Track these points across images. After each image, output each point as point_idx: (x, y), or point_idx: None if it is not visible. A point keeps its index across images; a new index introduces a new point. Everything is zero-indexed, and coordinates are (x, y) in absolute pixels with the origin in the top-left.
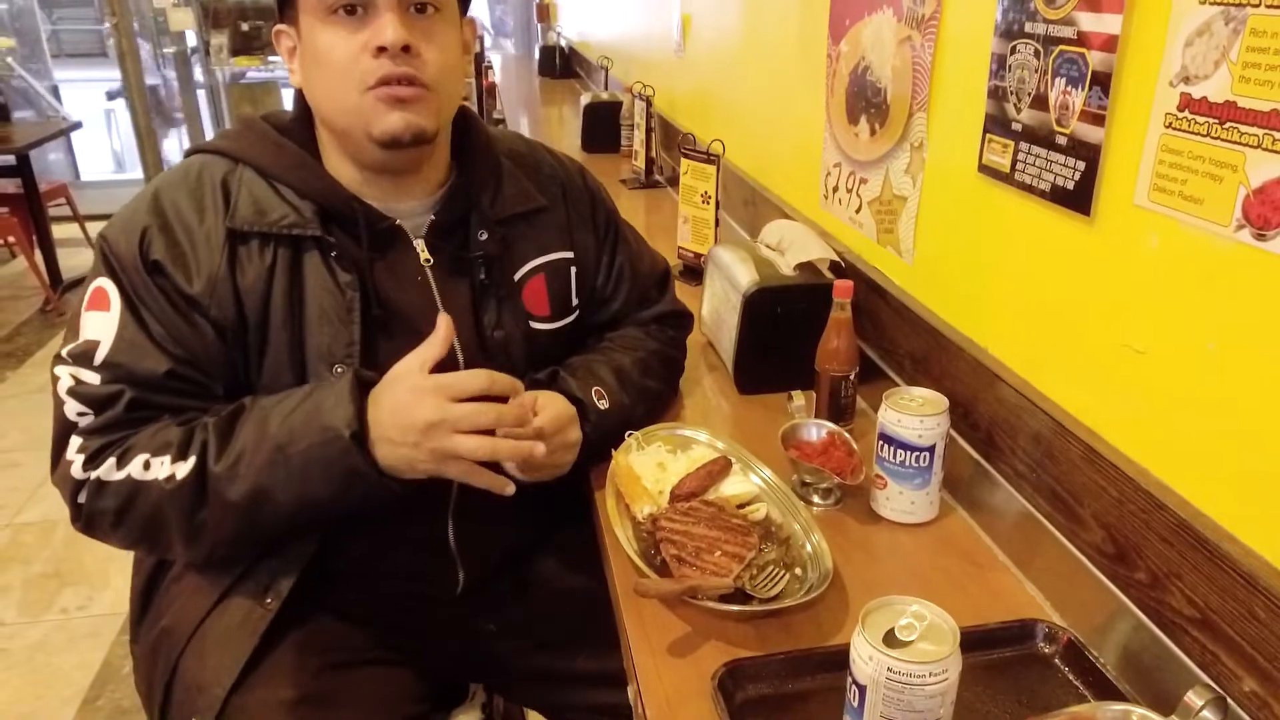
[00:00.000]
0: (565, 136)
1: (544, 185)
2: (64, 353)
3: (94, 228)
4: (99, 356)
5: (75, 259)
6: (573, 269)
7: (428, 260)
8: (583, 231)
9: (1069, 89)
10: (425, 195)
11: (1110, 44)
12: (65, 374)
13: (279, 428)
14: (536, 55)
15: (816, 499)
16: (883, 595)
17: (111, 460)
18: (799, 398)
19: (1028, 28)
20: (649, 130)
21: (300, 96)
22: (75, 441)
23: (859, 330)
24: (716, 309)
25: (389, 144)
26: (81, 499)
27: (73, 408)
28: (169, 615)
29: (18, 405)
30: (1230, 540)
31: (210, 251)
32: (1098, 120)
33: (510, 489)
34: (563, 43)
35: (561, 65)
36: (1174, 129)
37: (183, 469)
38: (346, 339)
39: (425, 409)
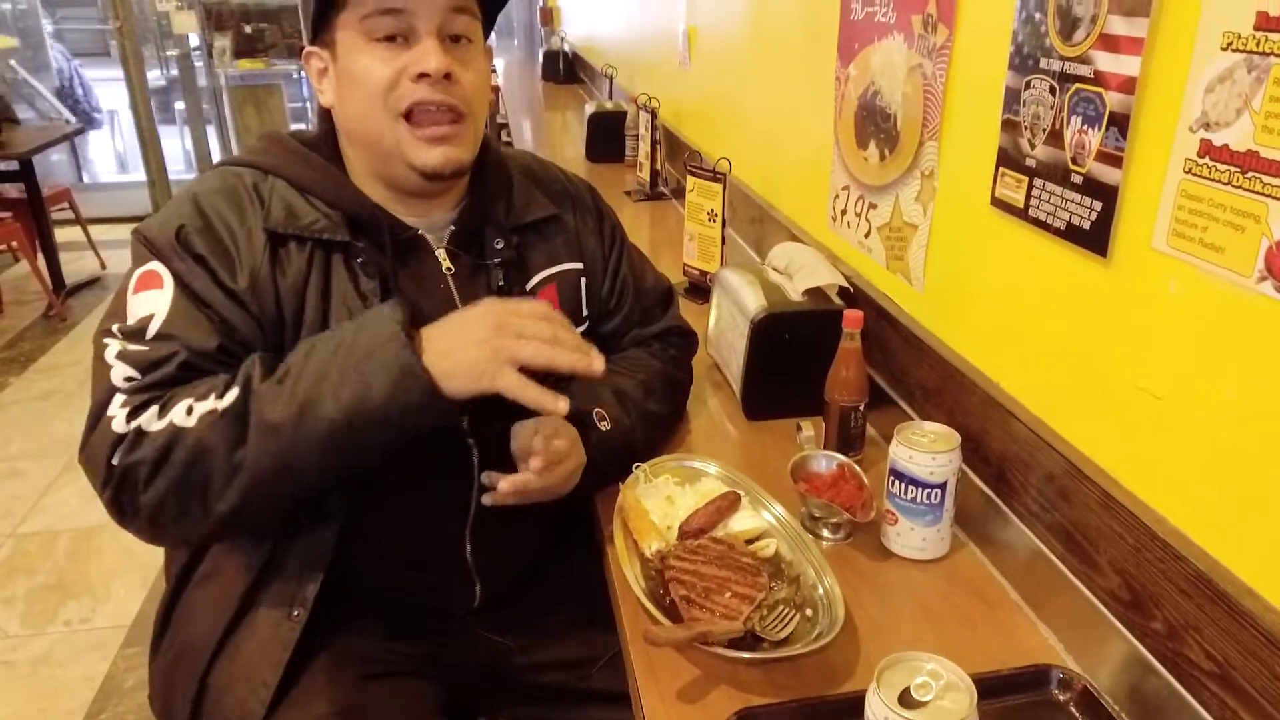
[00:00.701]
0: (569, 144)
1: (553, 196)
2: (114, 328)
3: (97, 231)
4: (152, 329)
5: (78, 263)
6: (582, 279)
7: (449, 269)
8: (590, 241)
9: (1085, 128)
10: (445, 209)
11: (1129, 85)
12: (114, 342)
13: (326, 341)
14: (540, 59)
15: (826, 533)
16: (894, 635)
17: (154, 409)
18: (808, 428)
19: (1043, 63)
20: (654, 143)
21: (326, 115)
22: (119, 399)
23: (868, 357)
24: (724, 332)
25: (431, 176)
26: (116, 459)
27: (120, 371)
28: (188, 628)
29: (21, 412)
30: (1251, 595)
31: (253, 250)
32: (1115, 161)
33: (563, 404)
34: (566, 47)
35: (565, 70)
36: (1194, 175)
37: (227, 399)
38: None
39: (492, 313)
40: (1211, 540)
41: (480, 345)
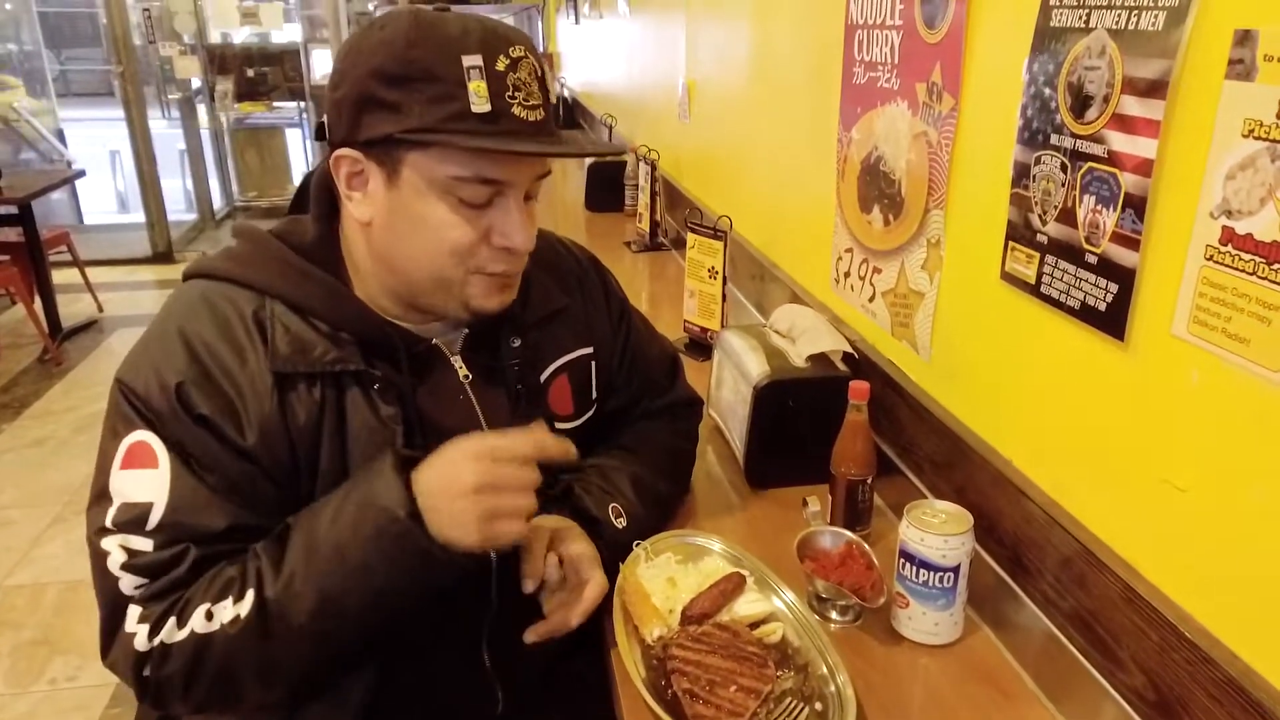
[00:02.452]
0: (568, 192)
1: (564, 283)
2: (108, 523)
3: (95, 274)
4: (154, 519)
5: (75, 306)
6: (593, 364)
7: (466, 376)
8: (600, 322)
9: (1099, 207)
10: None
11: (1145, 168)
12: (114, 546)
13: (329, 530)
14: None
15: (835, 615)
16: None
17: (171, 621)
18: (814, 503)
19: (1053, 139)
20: (654, 194)
21: (324, 216)
22: (134, 611)
23: (874, 425)
24: (725, 396)
25: (479, 315)
26: (147, 672)
27: (129, 582)
28: None
29: (14, 460)
30: None
31: (259, 397)
32: (1131, 244)
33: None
34: (566, 93)
35: (565, 116)
36: (1216, 262)
37: (244, 606)
38: None
39: (469, 472)
40: (1242, 643)
41: (465, 514)
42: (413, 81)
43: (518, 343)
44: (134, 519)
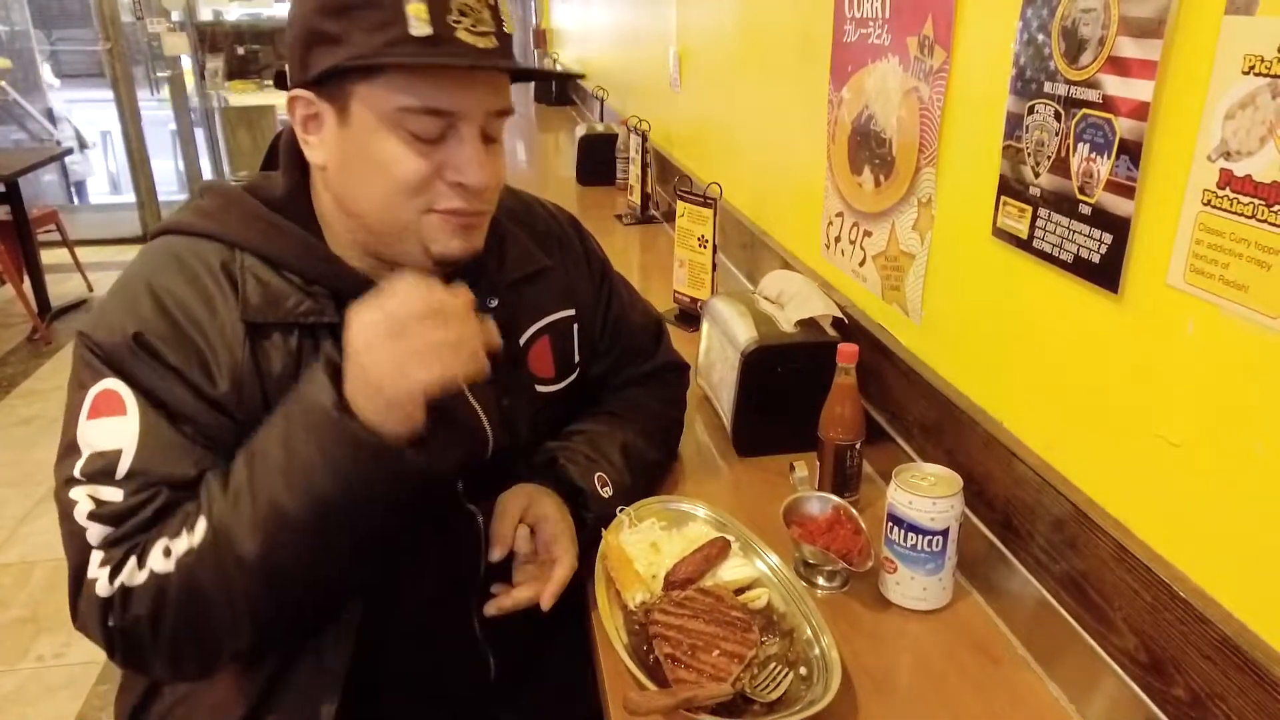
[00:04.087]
0: (560, 167)
1: (543, 243)
2: (76, 473)
3: (85, 253)
4: (123, 467)
5: (64, 286)
6: (575, 325)
7: None
8: (581, 284)
9: (1093, 155)
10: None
11: (1140, 111)
12: (82, 496)
13: (265, 440)
14: (532, 81)
15: (821, 581)
16: (895, 696)
17: (132, 562)
18: (801, 468)
19: (1047, 87)
20: (645, 166)
21: (295, 168)
22: (96, 557)
23: (863, 391)
24: (714, 363)
25: (442, 262)
26: (112, 621)
27: (96, 532)
28: None
29: (2, 439)
30: None
31: (230, 346)
32: (1126, 192)
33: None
34: (559, 68)
35: (558, 92)
36: (1213, 207)
37: (196, 535)
38: None
39: (376, 324)
40: (1237, 602)
41: (402, 365)
42: (354, 9)
43: (494, 303)
44: (102, 468)
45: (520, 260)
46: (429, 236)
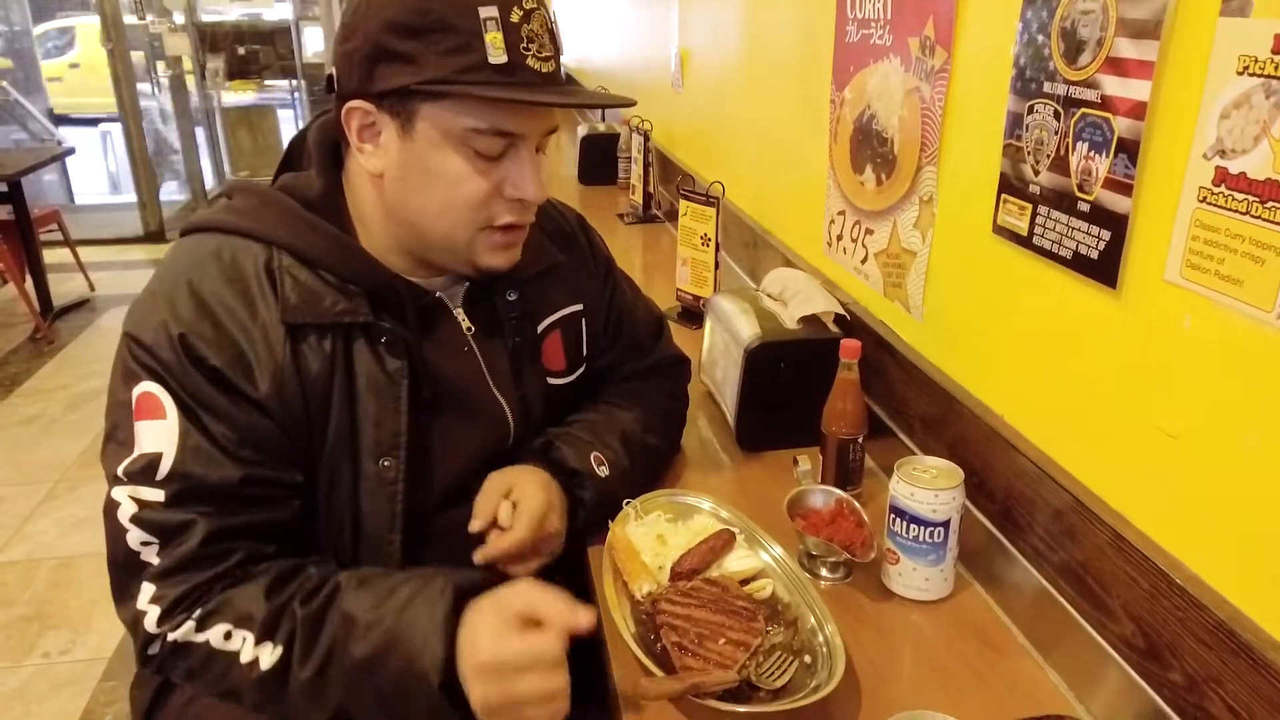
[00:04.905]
0: (562, 166)
1: (554, 240)
2: (120, 471)
3: (87, 253)
4: (163, 469)
5: (66, 285)
6: (583, 320)
7: (469, 328)
8: (587, 281)
9: (1092, 154)
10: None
11: (1138, 110)
12: (124, 496)
13: (363, 641)
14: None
15: (825, 572)
16: (897, 684)
17: (190, 624)
18: (805, 462)
19: (1046, 87)
20: (646, 165)
21: (329, 168)
22: (148, 589)
23: (865, 387)
24: (717, 360)
25: (484, 272)
26: (153, 651)
27: (136, 536)
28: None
29: (5, 438)
30: (1276, 648)
31: (271, 347)
32: (1124, 189)
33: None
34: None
35: None
36: (1209, 204)
37: (266, 658)
38: (393, 430)
39: (499, 663)
40: (1232, 588)
41: (492, 707)
42: (428, 33)
43: (514, 296)
44: (144, 468)
45: (536, 256)
46: (478, 252)
